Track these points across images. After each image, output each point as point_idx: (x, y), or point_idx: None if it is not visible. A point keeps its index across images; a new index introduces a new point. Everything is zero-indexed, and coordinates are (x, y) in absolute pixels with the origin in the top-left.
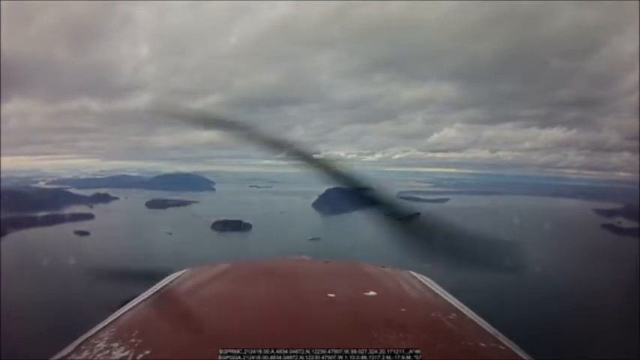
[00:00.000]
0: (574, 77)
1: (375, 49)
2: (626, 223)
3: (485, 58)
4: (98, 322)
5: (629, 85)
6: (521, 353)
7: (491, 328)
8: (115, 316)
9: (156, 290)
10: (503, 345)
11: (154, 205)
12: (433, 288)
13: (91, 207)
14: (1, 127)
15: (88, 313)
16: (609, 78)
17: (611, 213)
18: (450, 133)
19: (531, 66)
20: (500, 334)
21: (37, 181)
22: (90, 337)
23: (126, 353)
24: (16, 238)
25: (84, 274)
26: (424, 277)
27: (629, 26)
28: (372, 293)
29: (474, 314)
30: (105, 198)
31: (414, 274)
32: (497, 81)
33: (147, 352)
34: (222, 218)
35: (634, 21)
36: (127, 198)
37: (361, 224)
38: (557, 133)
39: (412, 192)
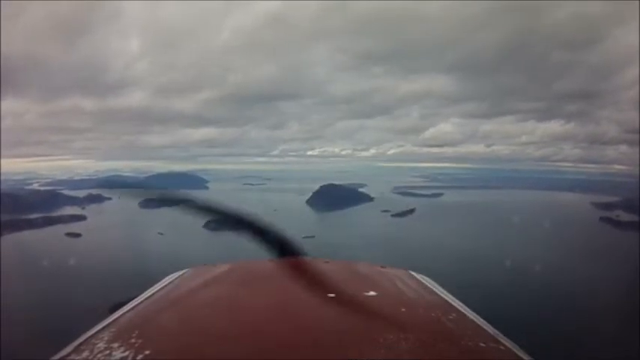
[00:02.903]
0: (573, 70)
1: (372, 42)
2: (624, 217)
3: (483, 50)
4: (97, 323)
5: (629, 78)
6: (521, 353)
7: (491, 328)
8: (115, 316)
9: (156, 290)
10: (503, 345)
11: (147, 204)
12: (433, 288)
13: (83, 208)
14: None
15: (76, 316)
16: (609, 71)
17: (609, 206)
18: (445, 127)
19: (530, 59)
20: (500, 334)
21: (31, 183)
22: (90, 337)
23: (126, 353)
24: (6, 240)
25: (77, 271)
26: (424, 277)
27: (630, 18)
28: (372, 293)
29: (474, 314)
30: (98, 199)
31: (414, 274)
32: (495, 74)
33: (147, 352)
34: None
35: (635, 13)
36: (119, 198)
37: (355, 222)
38: (554, 127)
39: (407, 187)
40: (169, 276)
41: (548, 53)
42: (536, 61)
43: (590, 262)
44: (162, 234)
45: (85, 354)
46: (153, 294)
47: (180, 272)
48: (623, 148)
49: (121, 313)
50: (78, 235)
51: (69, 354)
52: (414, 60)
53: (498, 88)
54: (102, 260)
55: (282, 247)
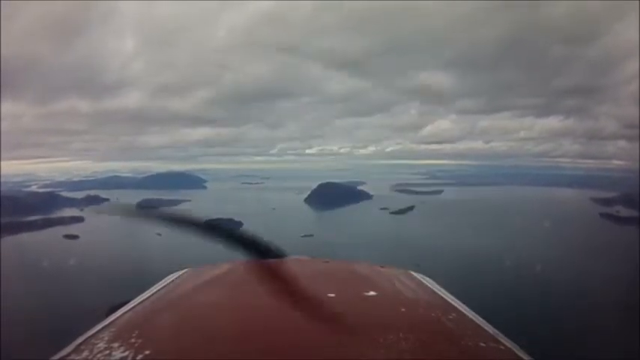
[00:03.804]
0: (572, 65)
1: (369, 39)
2: (624, 212)
3: (481, 46)
4: (97, 323)
5: (628, 73)
6: (521, 353)
7: (491, 328)
8: (115, 316)
9: (155, 290)
10: (503, 345)
11: (145, 205)
12: (433, 288)
13: (82, 210)
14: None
15: (76, 316)
16: (608, 66)
17: (608, 201)
18: (443, 124)
19: (528, 54)
20: (501, 334)
21: (29, 185)
22: (90, 337)
23: (126, 353)
24: (6, 242)
25: (76, 273)
26: (424, 277)
27: (629, 13)
28: (371, 293)
29: (474, 314)
30: (96, 200)
31: (414, 274)
32: (493, 70)
33: (147, 352)
34: (212, 217)
35: (634, 8)
36: (117, 199)
37: (354, 220)
38: (553, 123)
39: (406, 184)
40: (169, 276)
41: (547, 49)
42: (534, 56)
43: (591, 257)
44: (160, 235)
45: (85, 354)
46: (152, 294)
47: (180, 272)
48: (622, 143)
49: (121, 313)
50: (76, 237)
51: (69, 354)
52: (412, 57)
53: (496, 84)
54: (101, 261)
55: (259, 250)
